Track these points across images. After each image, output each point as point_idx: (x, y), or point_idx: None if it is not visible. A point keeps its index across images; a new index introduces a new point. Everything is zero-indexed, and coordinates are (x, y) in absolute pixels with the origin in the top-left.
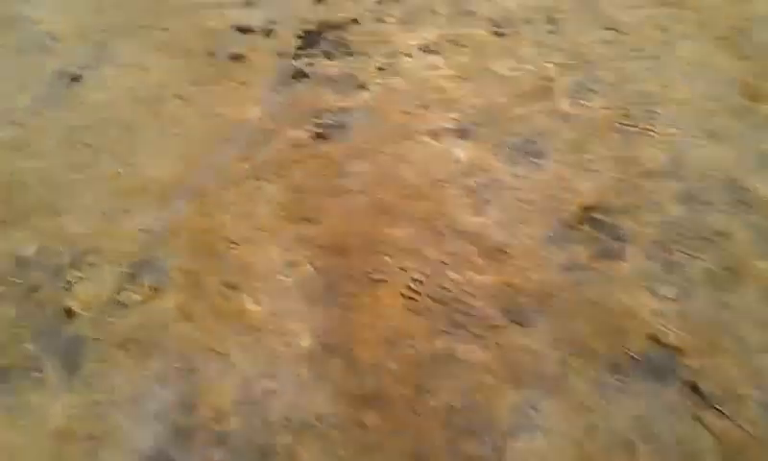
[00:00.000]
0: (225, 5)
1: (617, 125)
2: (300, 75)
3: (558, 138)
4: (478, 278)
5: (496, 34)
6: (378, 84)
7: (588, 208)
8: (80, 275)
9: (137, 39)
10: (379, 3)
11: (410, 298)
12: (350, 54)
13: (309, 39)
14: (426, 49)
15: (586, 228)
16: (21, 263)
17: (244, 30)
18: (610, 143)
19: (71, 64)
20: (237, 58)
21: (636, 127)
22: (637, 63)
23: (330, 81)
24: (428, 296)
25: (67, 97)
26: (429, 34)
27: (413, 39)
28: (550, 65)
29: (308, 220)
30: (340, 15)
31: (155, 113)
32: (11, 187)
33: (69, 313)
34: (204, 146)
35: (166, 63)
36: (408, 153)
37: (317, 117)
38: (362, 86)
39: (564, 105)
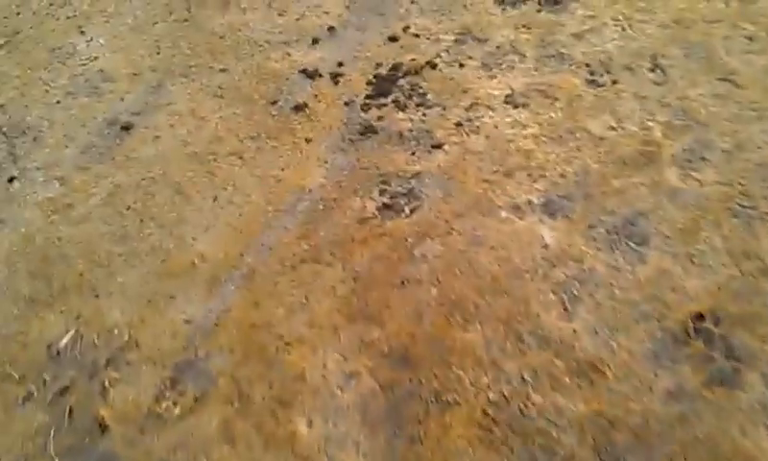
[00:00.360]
0: (290, 43)
1: (734, 206)
2: (368, 130)
3: (663, 220)
4: (566, 403)
5: (592, 83)
6: (455, 143)
7: (698, 316)
8: (116, 375)
9: (194, 82)
10: (458, 42)
11: (486, 429)
12: (425, 105)
13: (380, 86)
14: (511, 101)
15: (695, 342)
16: (54, 356)
17: (310, 74)
18: (724, 229)
19: (123, 111)
20: (301, 108)
21: (756, 209)
22: (757, 126)
23: (402, 138)
24: (507, 425)
25: (116, 150)
26: (514, 81)
27: (496, 88)
28: (654, 125)
29: (371, 319)
30: (415, 57)
31: (208, 173)
32: (50, 260)
33: (102, 426)
34: (259, 217)
35: (224, 112)
36: (486, 233)
37: (385, 182)
38: (437, 146)
39: (671, 176)
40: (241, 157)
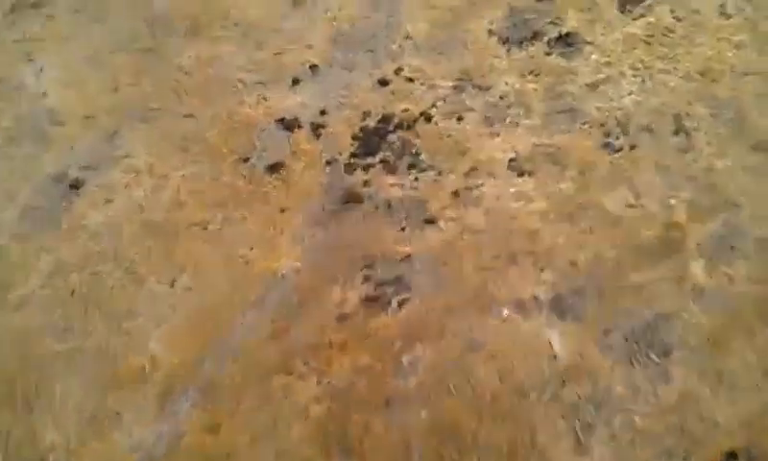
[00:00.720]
0: (267, 84)
1: None
2: (353, 198)
3: (688, 326)
4: None
5: (607, 146)
6: (452, 218)
7: (730, 455)
8: None
9: (155, 129)
10: (457, 89)
11: None
12: (418, 167)
13: (367, 141)
14: (515, 166)
15: None
16: None
17: (288, 124)
18: (758, 340)
19: (73, 163)
20: (276, 168)
21: None
22: None
23: (390, 209)
24: None
25: (63, 215)
26: (520, 141)
27: (499, 149)
28: (678, 203)
29: (349, 451)
30: (408, 106)
31: (166, 249)
32: None
33: None
34: (223, 311)
35: (187, 169)
36: (485, 336)
37: (370, 267)
38: (430, 221)
39: (697, 270)
40: (205, 229)
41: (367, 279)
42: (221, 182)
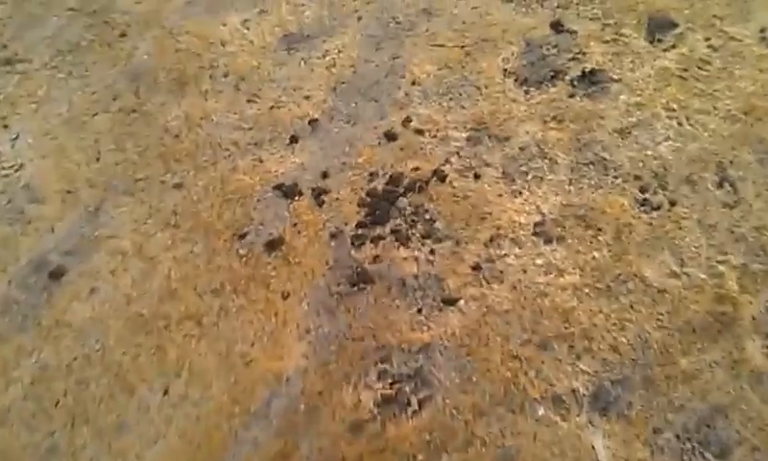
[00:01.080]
0: (263, 144)
1: None
2: (361, 278)
3: (747, 420)
4: None
5: (644, 204)
6: (474, 297)
7: None
8: None
9: (143, 203)
10: (472, 141)
11: None
12: (434, 237)
13: (376, 209)
14: (542, 232)
15: None
16: None
17: (288, 191)
18: None
19: (53, 248)
20: (276, 244)
21: None
22: None
23: (405, 288)
24: None
25: (44, 310)
26: (545, 202)
27: (522, 212)
28: (727, 270)
29: None
30: (418, 164)
31: (157, 349)
32: None
33: None
34: (222, 423)
35: (179, 250)
36: (519, 442)
37: (385, 360)
38: (450, 301)
39: (754, 351)
40: (200, 324)
41: (382, 374)
42: (215, 265)
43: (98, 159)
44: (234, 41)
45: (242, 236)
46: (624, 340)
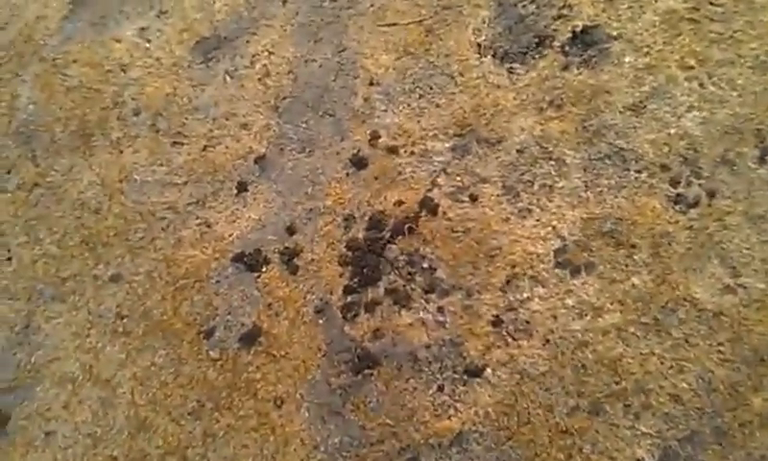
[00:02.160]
0: (205, 202)
1: None
2: (365, 362)
3: None
4: None
5: (678, 201)
6: (501, 362)
7: None
8: None
9: (77, 309)
10: (459, 152)
11: None
12: (438, 290)
13: (362, 264)
14: (566, 262)
15: None
16: None
17: (250, 262)
18: None
19: None
20: (252, 337)
21: None
22: None
23: (417, 364)
24: None
25: None
26: (562, 219)
27: (537, 239)
28: None
29: None
30: (401, 195)
31: None
32: None
33: None
34: None
35: (137, 365)
36: None
37: None
38: (474, 372)
39: None
40: (185, 459)
41: None
42: (186, 377)
43: (9, 260)
44: (136, 62)
45: (209, 334)
46: (685, 385)
